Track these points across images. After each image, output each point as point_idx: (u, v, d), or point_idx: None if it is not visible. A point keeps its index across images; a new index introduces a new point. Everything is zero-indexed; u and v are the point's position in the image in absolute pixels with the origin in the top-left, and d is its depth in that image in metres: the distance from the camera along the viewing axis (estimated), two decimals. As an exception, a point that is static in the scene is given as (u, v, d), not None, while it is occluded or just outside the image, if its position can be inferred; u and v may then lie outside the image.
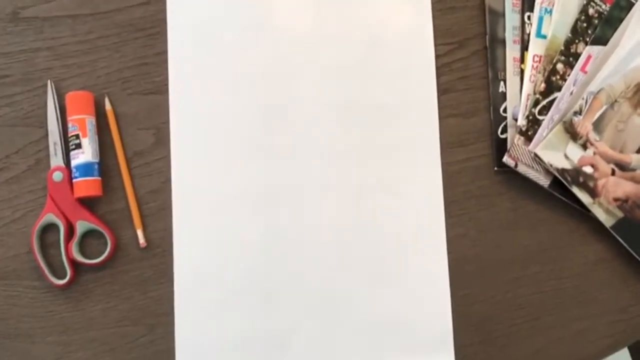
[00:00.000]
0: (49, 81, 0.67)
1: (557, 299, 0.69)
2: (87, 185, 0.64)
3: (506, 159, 0.69)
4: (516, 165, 0.68)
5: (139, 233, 0.65)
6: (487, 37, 0.71)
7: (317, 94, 0.69)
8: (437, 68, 0.71)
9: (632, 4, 0.71)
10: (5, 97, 0.68)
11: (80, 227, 0.64)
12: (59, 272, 0.65)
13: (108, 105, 0.67)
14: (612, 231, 0.68)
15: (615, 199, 0.68)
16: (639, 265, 0.69)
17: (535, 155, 0.68)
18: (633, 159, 0.69)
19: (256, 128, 0.68)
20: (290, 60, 0.70)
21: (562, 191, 0.69)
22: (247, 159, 0.68)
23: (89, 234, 0.66)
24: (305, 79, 0.70)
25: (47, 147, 0.66)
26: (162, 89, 0.68)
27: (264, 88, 0.69)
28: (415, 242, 0.68)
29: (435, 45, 0.71)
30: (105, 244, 0.65)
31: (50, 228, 0.66)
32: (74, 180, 0.64)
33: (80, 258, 0.64)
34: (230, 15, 0.69)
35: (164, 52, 0.69)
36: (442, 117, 0.71)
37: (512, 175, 0.70)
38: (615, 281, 0.70)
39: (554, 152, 0.68)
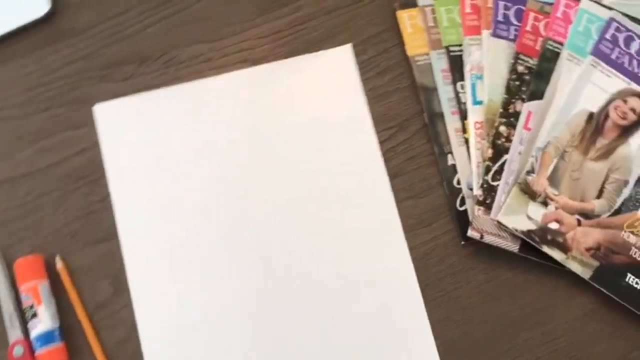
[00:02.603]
0: (-5, 252, 0.65)
1: (555, 361, 0.67)
2: (51, 355, 0.61)
3: (470, 232, 0.67)
4: (482, 236, 0.67)
5: (113, 390, 0.63)
6: (425, 114, 0.71)
7: (269, 198, 0.68)
8: (384, 153, 0.71)
9: (558, 53, 0.71)
10: (-47, 276, 0.66)
11: (51, 398, 0.61)
12: None
13: (59, 264, 0.65)
14: (591, 282, 0.67)
15: (588, 249, 0.67)
16: (627, 310, 0.67)
17: (498, 222, 0.67)
18: (595, 205, 0.68)
19: (212, 250, 0.67)
20: (234, 176, 0.69)
21: (533, 252, 0.67)
22: (210, 284, 0.66)
23: (61, 402, 0.63)
24: (253, 188, 0.69)
25: (3, 321, 0.64)
26: (111, 235, 0.67)
27: (212, 210, 0.68)
28: (400, 335, 0.66)
29: (377, 132, 0.71)
30: (80, 409, 0.62)
31: (19, 405, 0.63)
32: (36, 353, 0.62)
33: None
34: (166, 149, 0.69)
35: (108, 196, 0.68)
36: (398, 201, 0.70)
37: (480, 246, 0.69)
38: (607, 331, 0.68)
39: (516, 215, 0.67)
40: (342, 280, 0.67)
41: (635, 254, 0.68)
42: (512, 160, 0.69)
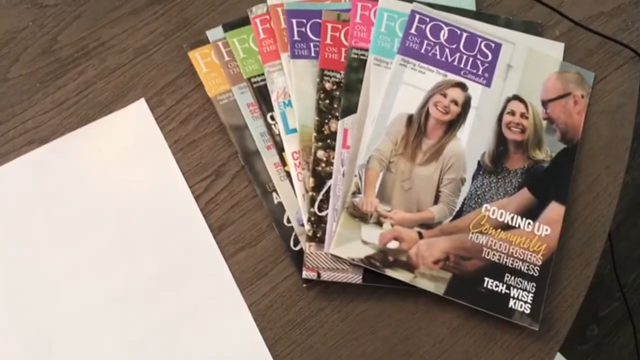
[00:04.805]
0: None
1: (432, 391, 0.61)
2: None
3: (306, 273, 0.61)
4: (319, 275, 0.61)
5: None
6: (240, 155, 0.65)
7: (82, 301, 0.61)
8: (203, 207, 0.64)
9: (364, 61, 0.66)
10: None
11: None
12: None
13: None
14: (447, 297, 0.61)
15: (436, 262, 0.61)
16: (495, 317, 0.61)
17: (332, 255, 0.61)
18: (434, 212, 0.63)
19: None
20: (38, 279, 0.61)
21: (380, 279, 0.61)
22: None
23: None
24: (60, 289, 0.61)
25: None
26: None
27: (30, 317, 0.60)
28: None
29: (192, 185, 0.65)
30: None
31: None
32: None
33: None
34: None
35: None
36: (228, 256, 0.63)
37: (325, 285, 0.62)
38: (480, 344, 0.62)
39: (350, 244, 0.61)
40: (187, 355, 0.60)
41: (488, 254, 0.62)
42: (337, 184, 0.63)
